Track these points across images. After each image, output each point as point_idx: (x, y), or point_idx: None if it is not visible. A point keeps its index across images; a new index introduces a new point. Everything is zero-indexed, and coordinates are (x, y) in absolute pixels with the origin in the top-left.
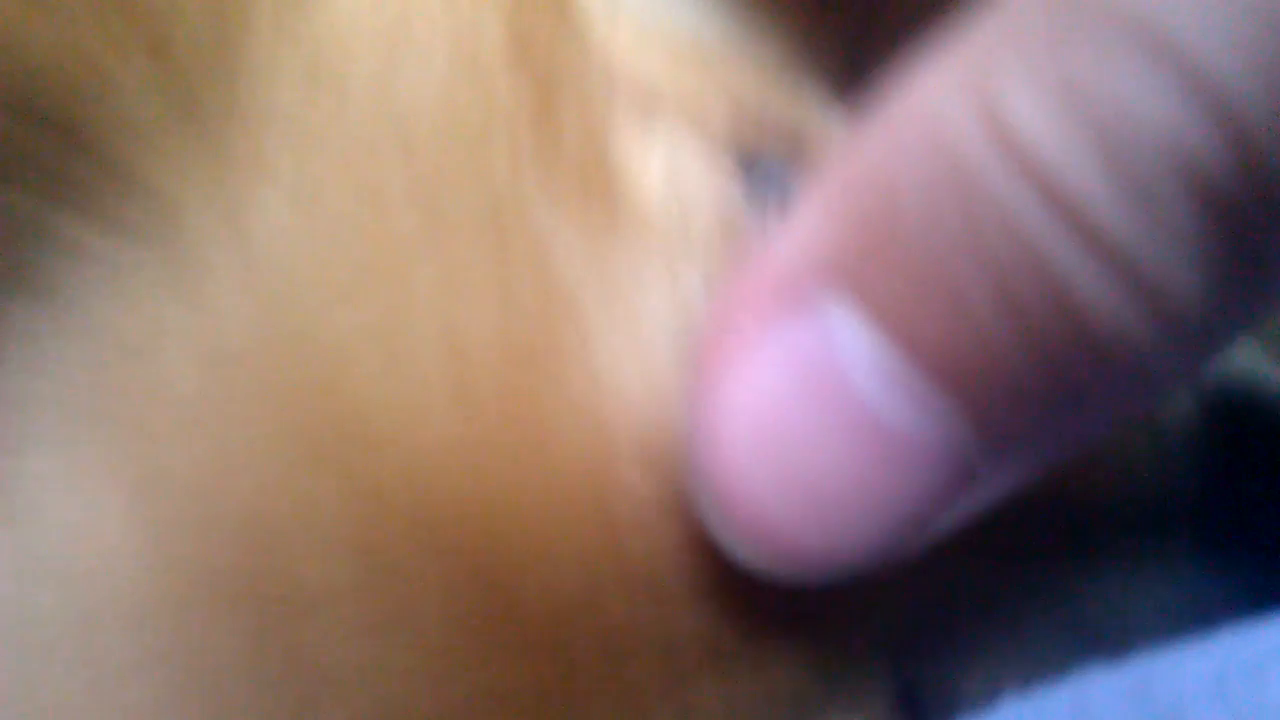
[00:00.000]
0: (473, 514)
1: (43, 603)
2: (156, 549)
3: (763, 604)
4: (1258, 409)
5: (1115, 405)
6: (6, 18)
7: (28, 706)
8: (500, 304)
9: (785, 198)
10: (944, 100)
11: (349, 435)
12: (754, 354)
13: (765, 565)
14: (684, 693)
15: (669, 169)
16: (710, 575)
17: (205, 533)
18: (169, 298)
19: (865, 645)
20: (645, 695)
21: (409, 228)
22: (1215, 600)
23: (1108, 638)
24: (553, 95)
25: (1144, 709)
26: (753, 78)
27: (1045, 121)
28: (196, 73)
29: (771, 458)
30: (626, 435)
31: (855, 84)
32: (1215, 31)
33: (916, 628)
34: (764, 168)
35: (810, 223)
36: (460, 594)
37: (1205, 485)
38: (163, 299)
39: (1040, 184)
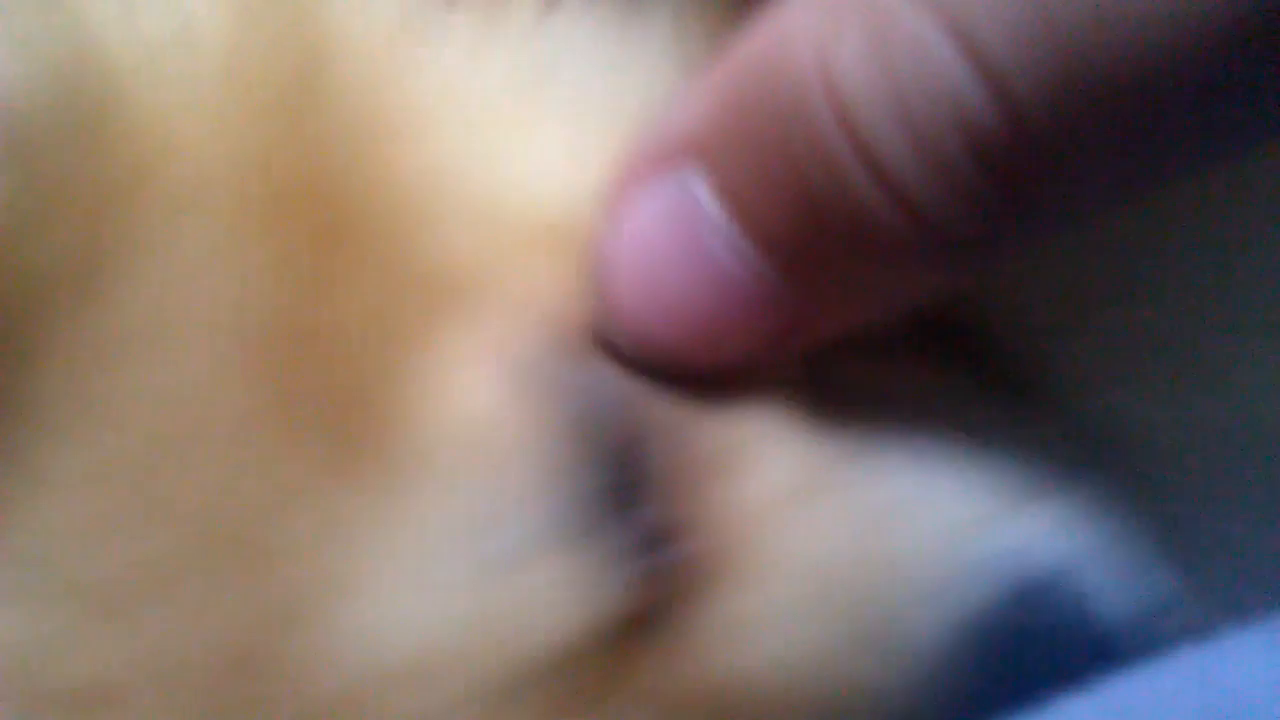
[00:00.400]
0: None
1: None
2: None
3: None
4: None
5: (885, 290)
6: None
7: None
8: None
9: (581, 408)
10: (796, 34)
11: None
12: (636, 205)
13: (635, 355)
14: None
15: (454, 391)
16: None
17: None
18: None
19: None
20: None
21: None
22: None
23: None
24: (313, 359)
25: None
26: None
27: (860, 70)
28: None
29: (643, 278)
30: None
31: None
32: (994, 13)
33: None
34: (554, 374)
35: (689, 108)
36: None
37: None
38: None
39: (847, 119)
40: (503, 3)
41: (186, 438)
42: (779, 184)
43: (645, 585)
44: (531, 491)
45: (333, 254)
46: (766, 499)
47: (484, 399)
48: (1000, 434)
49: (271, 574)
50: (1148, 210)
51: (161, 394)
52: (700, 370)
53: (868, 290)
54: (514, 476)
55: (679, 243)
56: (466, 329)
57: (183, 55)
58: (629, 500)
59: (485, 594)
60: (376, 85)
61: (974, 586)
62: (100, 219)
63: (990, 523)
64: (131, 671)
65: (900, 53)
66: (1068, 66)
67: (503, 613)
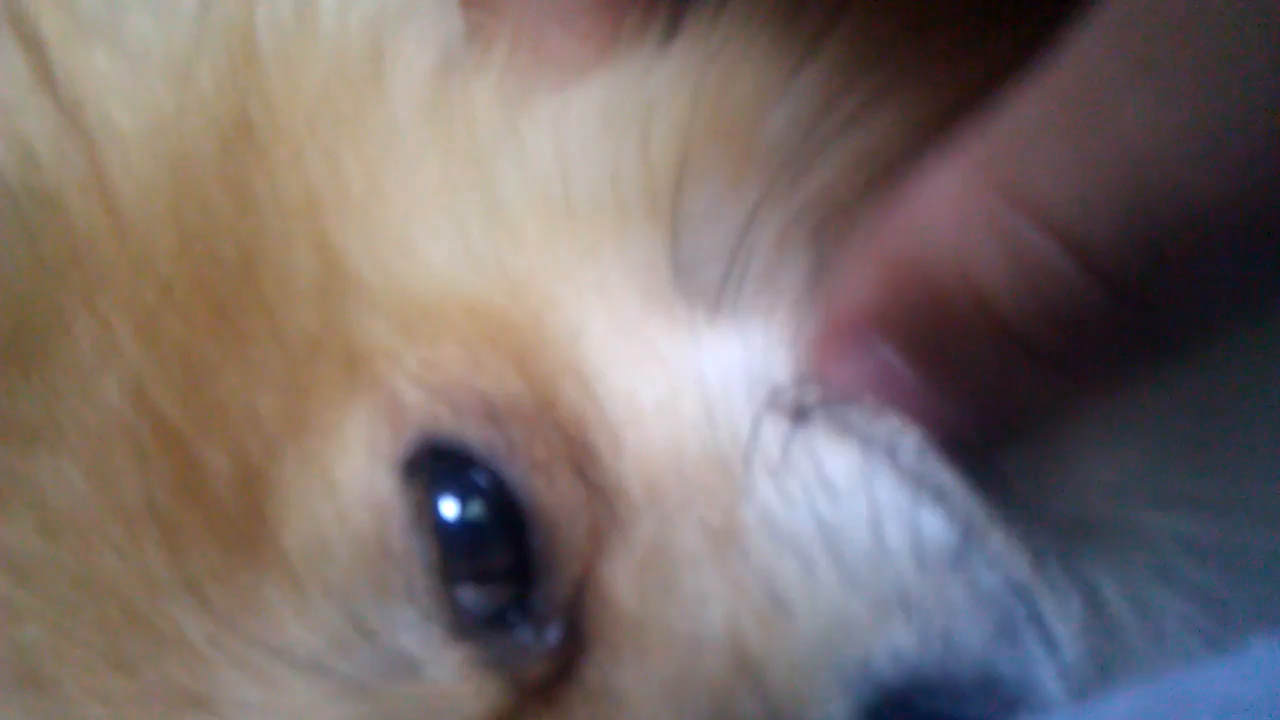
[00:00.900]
0: None
1: None
2: None
3: None
4: None
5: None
6: None
7: None
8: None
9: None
10: (936, 213)
11: None
12: (839, 367)
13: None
14: None
15: (345, 480)
16: None
17: None
18: None
19: None
20: None
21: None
22: None
23: None
24: (211, 441)
25: None
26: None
27: (995, 274)
28: None
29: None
30: None
31: None
32: (1087, 213)
33: None
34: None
35: (860, 290)
36: None
37: None
38: None
39: (985, 305)
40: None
41: (91, 528)
42: (941, 349)
43: (535, 664)
44: (418, 589)
45: (239, 335)
46: (654, 570)
47: (373, 492)
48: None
49: (172, 660)
50: None
51: (69, 479)
52: None
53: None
54: (403, 572)
55: (877, 391)
56: (367, 411)
57: (110, 134)
58: (519, 586)
59: (385, 686)
60: (305, 157)
61: (846, 690)
62: (31, 299)
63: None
64: None
65: (1021, 252)
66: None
67: (404, 703)
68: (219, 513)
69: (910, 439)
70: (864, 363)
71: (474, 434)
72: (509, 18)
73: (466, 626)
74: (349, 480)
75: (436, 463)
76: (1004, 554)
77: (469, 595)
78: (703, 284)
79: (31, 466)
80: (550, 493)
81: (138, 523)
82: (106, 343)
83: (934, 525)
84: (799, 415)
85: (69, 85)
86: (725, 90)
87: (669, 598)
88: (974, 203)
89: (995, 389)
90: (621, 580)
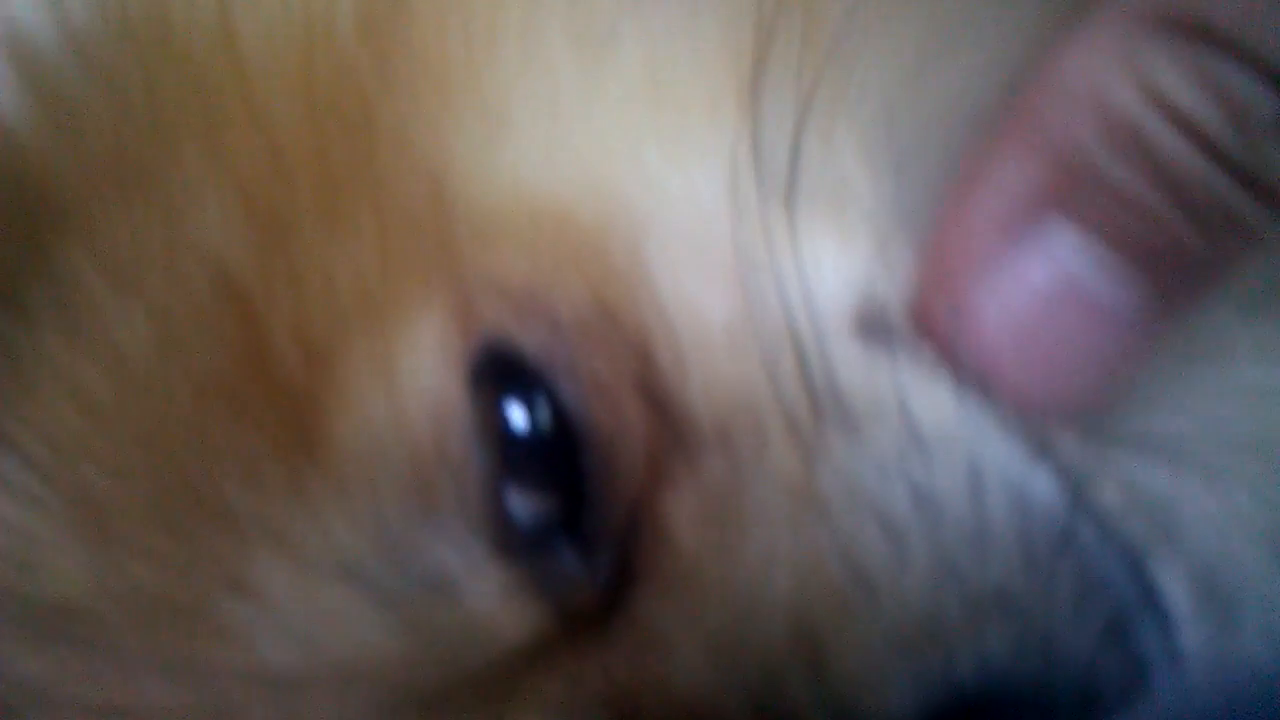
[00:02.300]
0: None
1: None
2: None
3: None
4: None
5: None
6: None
7: None
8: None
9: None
10: (1103, 74)
11: None
12: (999, 270)
13: (1010, 412)
14: None
15: (411, 375)
16: None
17: None
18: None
19: None
20: None
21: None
22: None
23: None
24: (281, 316)
25: None
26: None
27: (1181, 89)
28: None
29: (1019, 337)
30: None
31: None
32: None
33: None
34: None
35: (1014, 174)
36: None
37: None
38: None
39: (1184, 129)
40: None
41: (158, 384)
42: (1142, 205)
43: (580, 594)
44: (470, 502)
45: (338, 210)
46: (719, 516)
47: (437, 394)
48: None
49: (218, 536)
50: None
51: (144, 331)
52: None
53: (1209, 277)
54: (456, 481)
55: (1053, 296)
56: (439, 312)
57: None
58: (579, 501)
59: (423, 601)
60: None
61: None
62: (119, 145)
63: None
64: (94, 597)
65: (1204, 70)
66: None
67: (441, 621)
68: (281, 393)
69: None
70: (1037, 250)
71: (536, 346)
72: None
73: (513, 546)
74: (413, 380)
75: (502, 373)
76: (1115, 512)
77: (521, 511)
78: (788, 187)
79: (111, 303)
80: (609, 413)
81: (201, 385)
82: (201, 191)
83: (1042, 490)
84: (888, 339)
85: None
86: None
87: (732, 549)
88: (1146, 45)
89: (1189, 244)
90: (682, 517)
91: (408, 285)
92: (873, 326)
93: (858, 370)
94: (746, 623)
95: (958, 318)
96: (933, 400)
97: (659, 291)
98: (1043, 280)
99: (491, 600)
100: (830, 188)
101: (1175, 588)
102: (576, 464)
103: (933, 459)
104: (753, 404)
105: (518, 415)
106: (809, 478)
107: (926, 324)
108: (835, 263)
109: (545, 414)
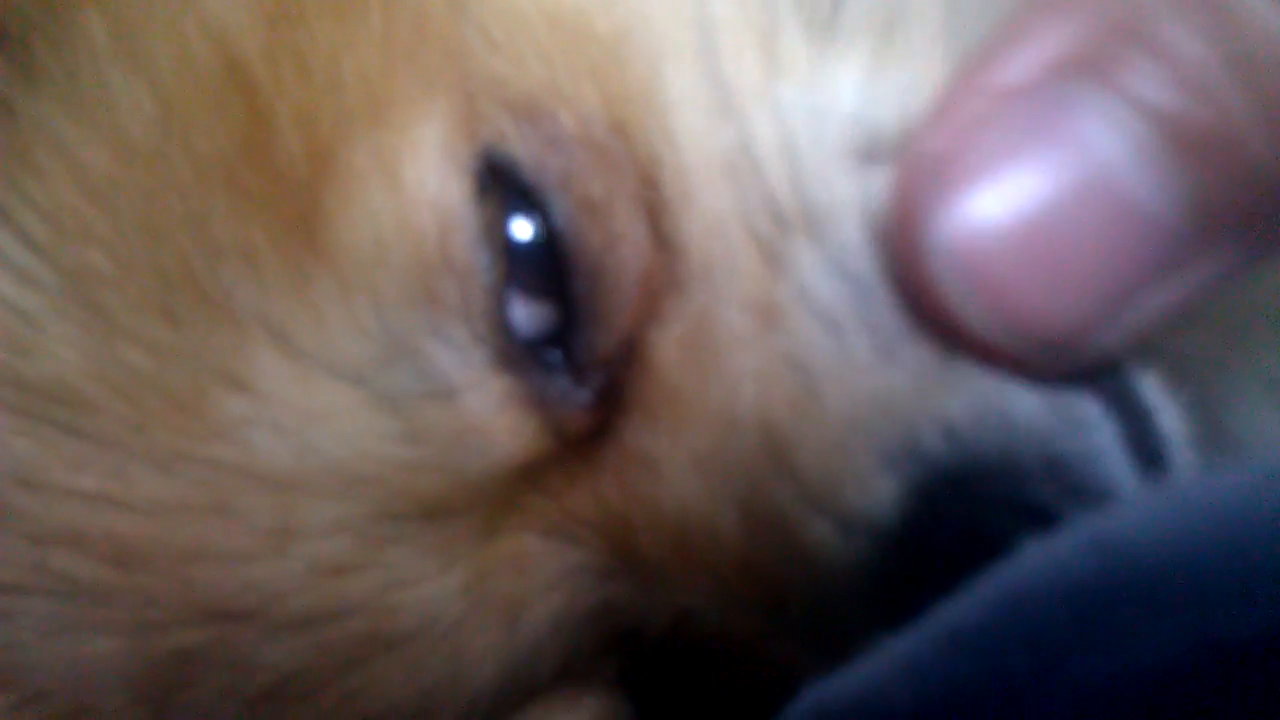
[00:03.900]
0: None
1: None
2: None
3: None
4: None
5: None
6: None
7: None
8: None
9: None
10: None
11: None
12: (1007, 148)
13: (1003, 336)
14: None
15: (417, 174)
16: None
17: None
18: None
19: None
20: None
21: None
22: None
23: None
24: (270, 127)
25: None
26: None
27: None
28: None
29: (1022, 239)
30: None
31: None
32: None
33: None
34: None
35: (1048, 27)
36: None
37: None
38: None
39: None
40: None
41: (161, 166)
42: (1206, 76)
43: (573, 414)
44: (476, 308)
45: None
46: (698, 345)
47: (443, 197)
48: None
49: (216, 328)
50: None
51: (148, 109)
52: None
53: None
54: (461, 287)
55: (1085, 191)
56: (444, 114)
57: None
58: (572, 322)
59: (422, 406)
60: None
61: (890, 469)
62: None
63: (914, 402)
64: (88, 381)
65: None
66: None
67: (439, 427)
68: (283, 184)
69: None
70: (1058, 124)
71: (532, 159)
72: None
73: (513, 356)
74: (419, 181)
75: (502, 182)
76: None
77: (521, 321)
78: (830, 11)
79: (118, 77)
80: (602, 234)
81: (204, 170)
82: None
83: None
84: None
85: None
86: None
87: (708, 375)
88: None
89: (1253, 146)
90: (667, 349)
91: (413, 84)
92: (869, 158)
93: (834, 187)
94: (725, 442)
95: (944, 208)
96: None
97: (665, 111)
98: (1061, 165)
99: (490, 410)
100: (879, 16)
101: (1163, 403)
102: (569, 281)
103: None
104: (734, 231)
105: (521, 225)
106: (771, 291)
107: (903, 226)
108: (853, 94)
109: (542, 226)
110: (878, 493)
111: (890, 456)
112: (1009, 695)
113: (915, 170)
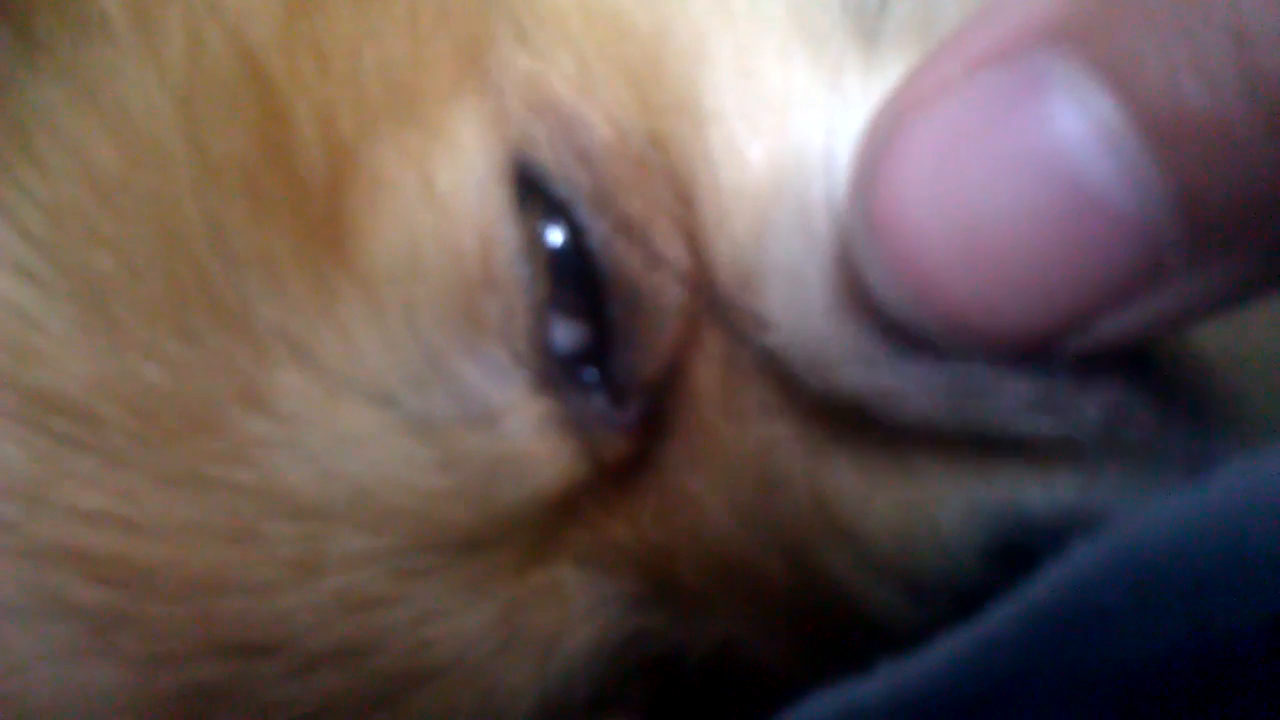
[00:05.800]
0: None
1: None
2: None
3: None
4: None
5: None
6: None
7: None
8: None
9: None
10: None
11: None
12: (952, 96)
13: (922, 320)
14: None
15: (449, 178)
16: None
17: None
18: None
19: None
20: None
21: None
22: None
23: None
24: (291, 135)
25: None
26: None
27: None
28: None
29: (967, 236)
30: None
31: None
32: None
33: None
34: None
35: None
36: None
37: None
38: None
39: None
40: None
41: (173, 164)
42: (1197, 53)
43: (613, 440)
44: (518, 327)
45: None
46: (734, 383)
47: (485, 206)
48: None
49: (233, 342)
50: None
51: (159, 101)
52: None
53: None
54: (503, 305)
55: (1045, 182)
56: (472, 113)
57: None
58: (609, 343)
59: (458, 431)
60: None
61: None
62: None
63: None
64: (92, 392)
65: None
66: None
67: (476, 454)
68: (304, 188)
69: None
70: (1019, 101)
71: (563, 169)
72: None
73: (553, 379)
74: (456, 188)
75: (536, 190)
76: None
77: (562, 342)
78: (875, 15)
79: (128, 63)
80: (639, 257)
81: (219, 170)
82: None
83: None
84: None
85: None
86: None
87: (747, 417)
88: None
89: (1246, 136)
90: (709, 378)
91: (439, 79)
92: None
93: None
94: (768, 495)
95: (883, 197)
96: None
97: (703, 121)
98: (1018, 149)
99: (528, 435)
100: (920, 20)
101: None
102: (606, 302)
103: None
104: (776, 255)
105: (556, 238)
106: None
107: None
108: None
109: (571, 238)
110: (960, 562)
111: (976, 528)
112: (1006, 689)
113: (869, 133)
